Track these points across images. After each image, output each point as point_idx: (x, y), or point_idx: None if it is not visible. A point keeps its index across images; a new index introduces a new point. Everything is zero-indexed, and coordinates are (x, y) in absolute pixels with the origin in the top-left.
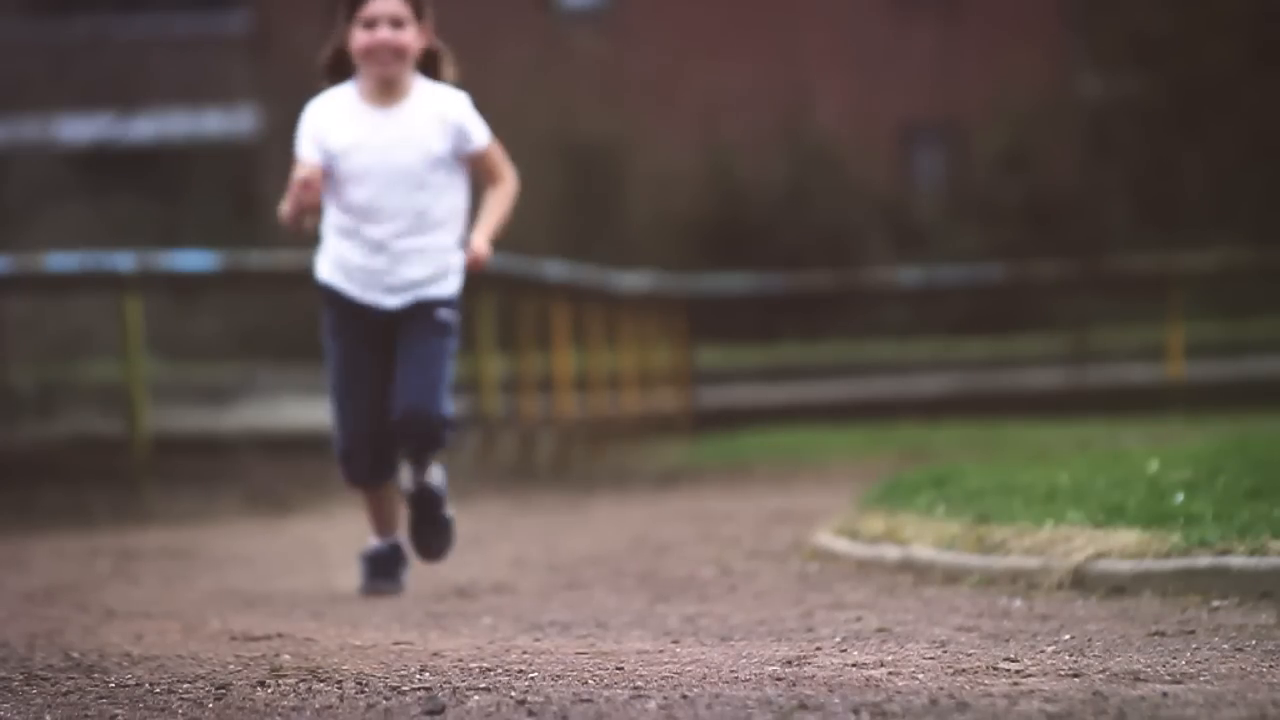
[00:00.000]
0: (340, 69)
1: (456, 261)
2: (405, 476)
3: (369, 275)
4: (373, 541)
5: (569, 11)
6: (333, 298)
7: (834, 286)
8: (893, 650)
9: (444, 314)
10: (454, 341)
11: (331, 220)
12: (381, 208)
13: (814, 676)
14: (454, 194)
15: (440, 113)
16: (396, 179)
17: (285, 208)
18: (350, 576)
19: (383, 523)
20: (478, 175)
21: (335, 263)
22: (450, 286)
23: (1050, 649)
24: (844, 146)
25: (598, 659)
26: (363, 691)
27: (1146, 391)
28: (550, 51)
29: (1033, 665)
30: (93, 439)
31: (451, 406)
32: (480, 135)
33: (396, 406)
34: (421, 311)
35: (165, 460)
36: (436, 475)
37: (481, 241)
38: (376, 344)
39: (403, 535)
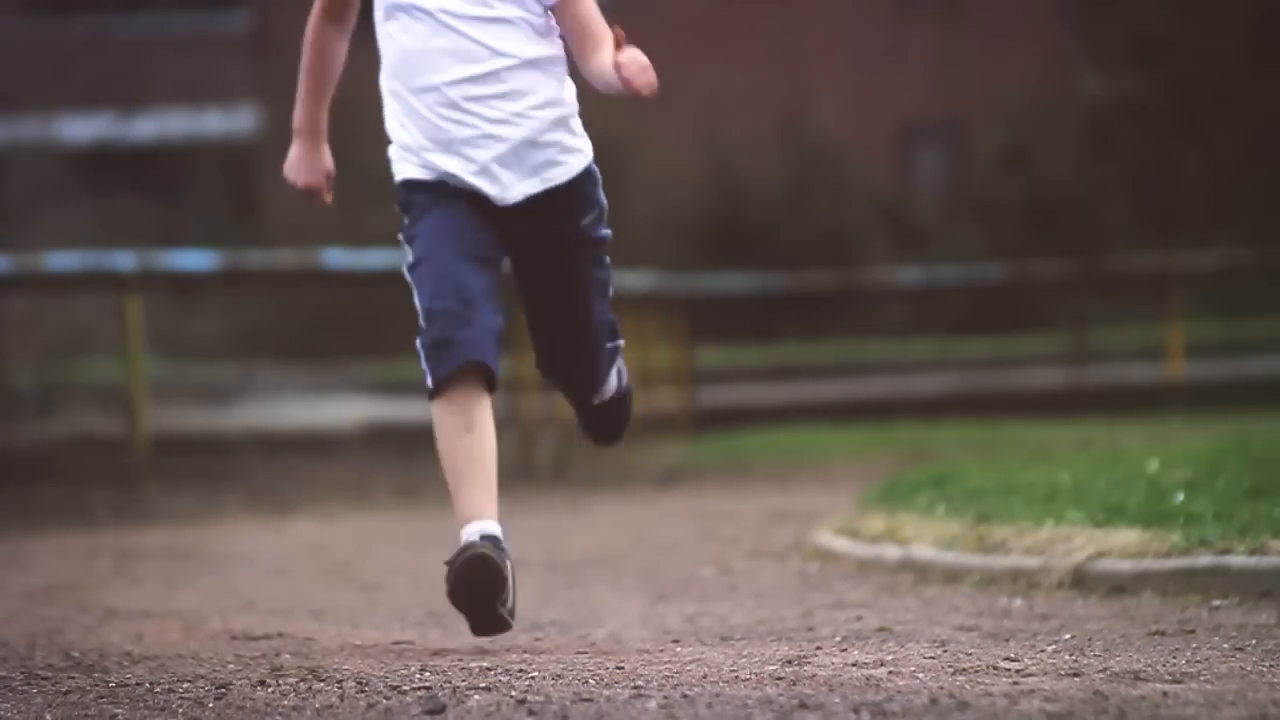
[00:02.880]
0: None
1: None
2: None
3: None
4: (468, 531)
5: None
6: (418, 189)
7: (834, 286)
8: (893, 650)
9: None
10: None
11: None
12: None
13: (814, 676)
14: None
15: None
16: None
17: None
18: (350, 576)
19: (467, 492)
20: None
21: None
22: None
23: (1050, 648)
24: (844, 146)
25: (598, 659)
26: (363, 691)
27: (1146, 391)
28: None
29: (1033, 664)
30: (93, 439)
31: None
32: None
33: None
34: (562, 218)
35: (165, 460)
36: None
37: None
38: (485, 232)
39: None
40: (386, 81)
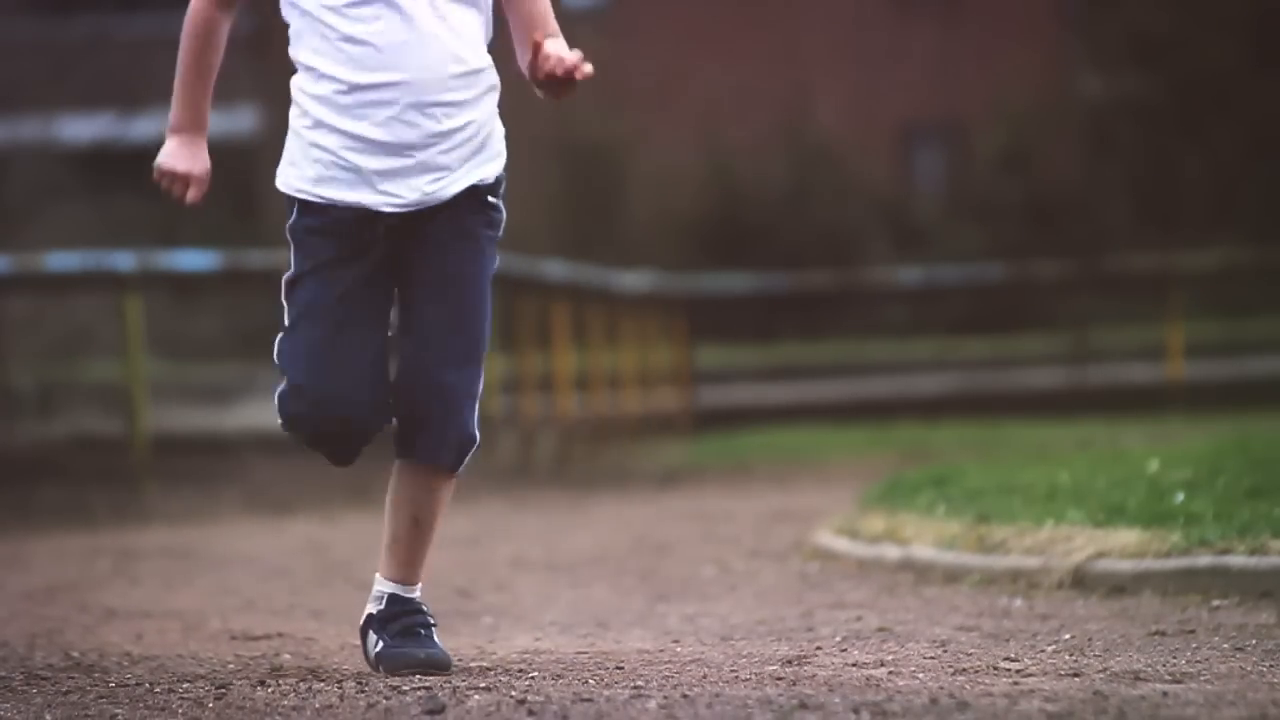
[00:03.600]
0: None
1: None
2: None
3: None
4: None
5: (569, 11)
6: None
7: (834, 286)
8: (893, 650)
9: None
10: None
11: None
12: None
13: (814, 676)
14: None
15: None
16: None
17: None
18: (349, 575)
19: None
20: None
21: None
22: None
23: (1050, 648)
24: (844, 146)
25: (598, 659)
26: (363, 691)
27: (1146, 391)
28: None
29: (1033, 665)
30: (93, 439)
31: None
32: None
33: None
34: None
35: (165, 460)
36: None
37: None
38: (376, 283)
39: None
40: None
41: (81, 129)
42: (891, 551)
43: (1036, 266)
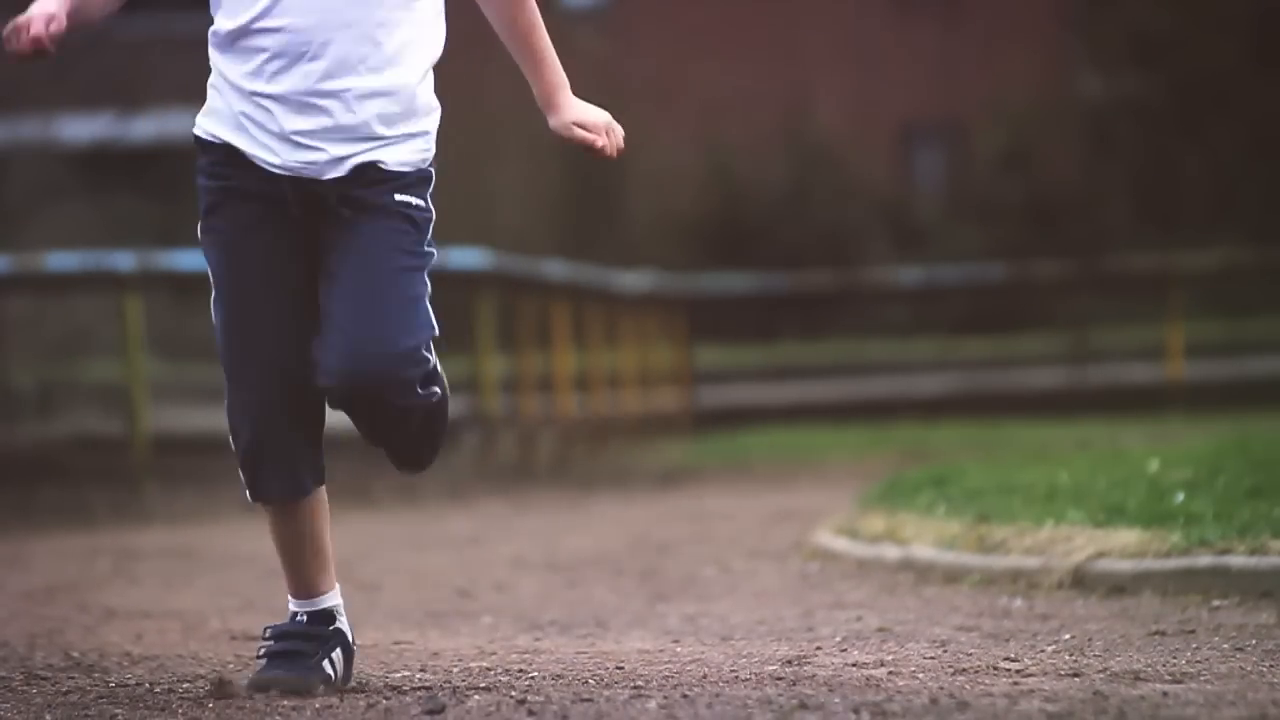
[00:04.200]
0: None
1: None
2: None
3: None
4: (292, 604)
5: (569, 11)
6: (217, 160)
7: (834, 286)
8: (893, 650)
9: (411, 200)
10: (428, 255)
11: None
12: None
13: (814, 676)
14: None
15: None
16: None
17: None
18: (350, 575)
19: (306, 570)
20: None
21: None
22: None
23: (1050, 648)
24: (844, 146)
25: (598, 659)
26: (363, 691)
27: (1146, 391)
28: None
29: (1033, 665)
30: (93, 439)
31: (431, 349)
32: None
33: (330, 355)
34: (373, 193)
35: (165, 460)
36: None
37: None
38: (293, 245)
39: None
40: None
41: (81, 129)
42: (891, 551)
43: (1036, 266)
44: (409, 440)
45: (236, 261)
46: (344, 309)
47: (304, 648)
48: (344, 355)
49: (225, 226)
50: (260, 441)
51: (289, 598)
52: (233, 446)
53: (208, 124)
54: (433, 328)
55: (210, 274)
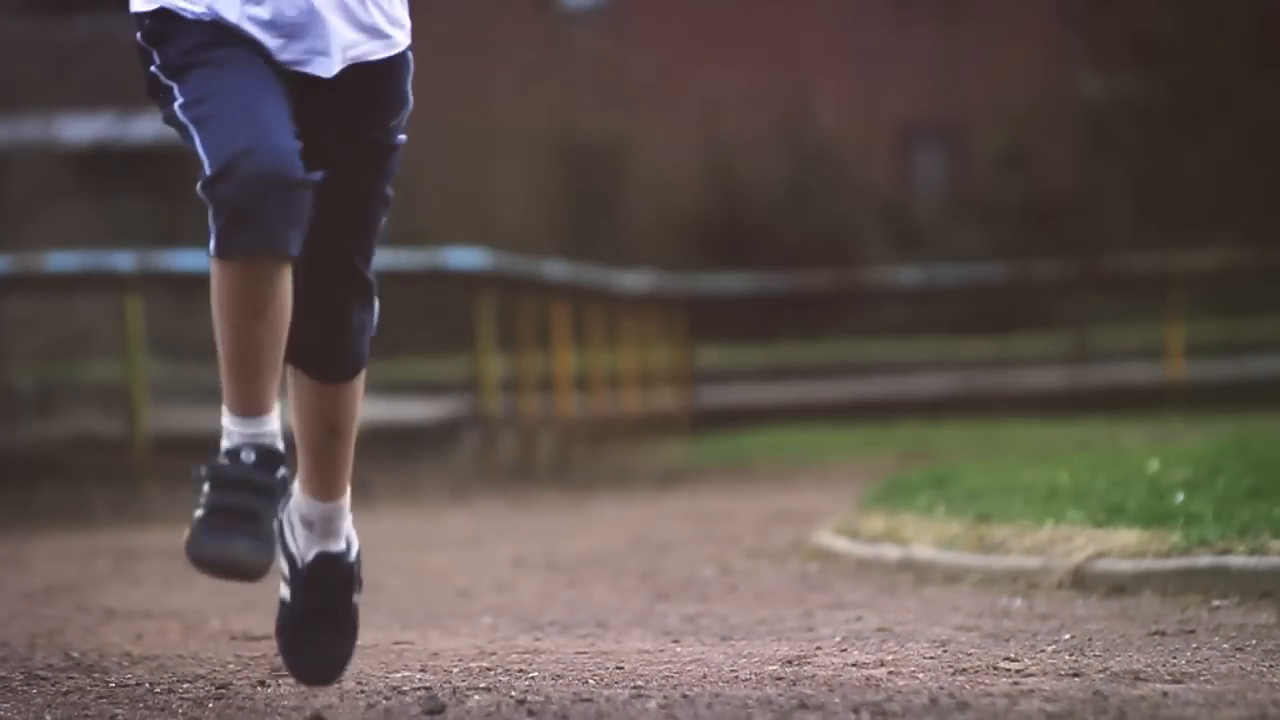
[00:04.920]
0: None
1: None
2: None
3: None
4: (233, 432)
5: (569, 11)
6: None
7: (834, 286)
8: (893, 650)
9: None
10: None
11: None
12: None
13: (814, 676)
14: None
15: None
16: None
17: None
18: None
19: (256, 380)
20: None
21: None
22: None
23: (1050, 648)
24: (844, 146)
25: (598, 659)
26: (363, 691)
27: (1146, 391)
28: (550, 51)
29: (1033, 665)
30: (93, 439)
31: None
32: None
33: None
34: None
35: (165, 460)
36: (347, 526)
37: None
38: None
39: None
40: None
41: (81, 129)
42: (891, 551)
43: (1036, 266)
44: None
45: (230, 63)
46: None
47: (257, 506)
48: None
49: (211, 54)
50: (264, 155)
51: (227, 415)
52: (212, 185)
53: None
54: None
55: (181, 92)
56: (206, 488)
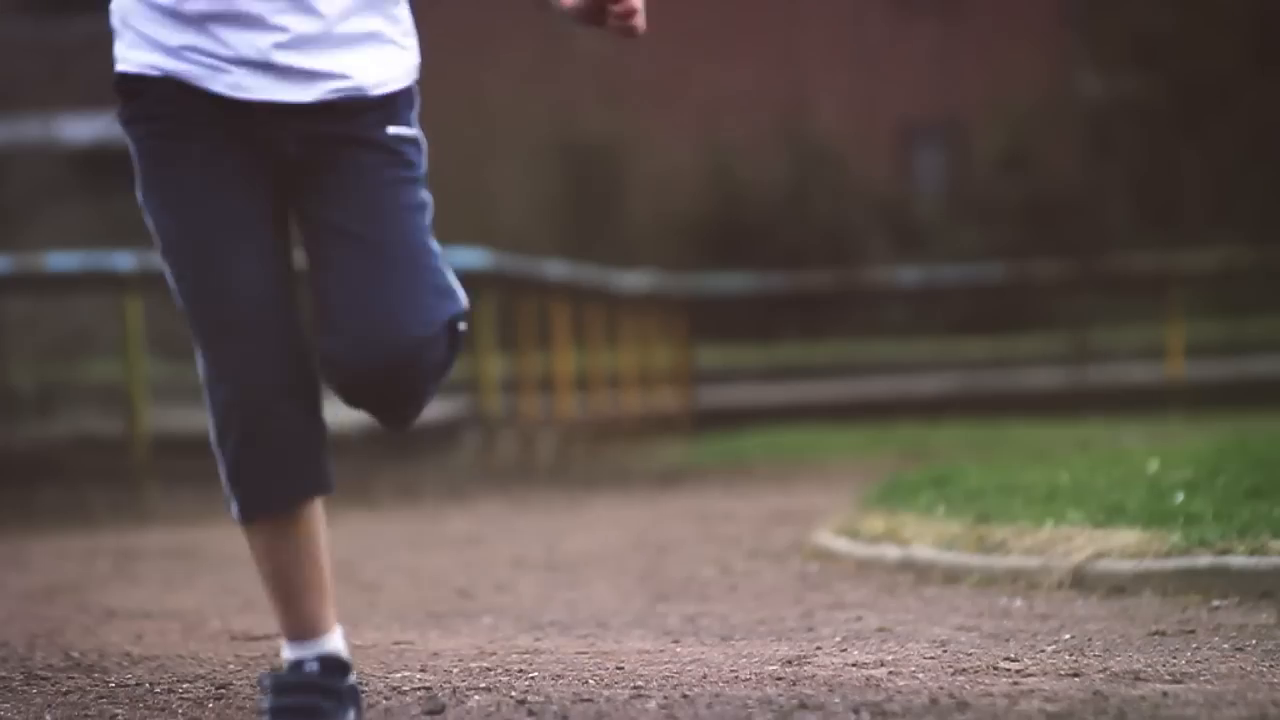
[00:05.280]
0: None
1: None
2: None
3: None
4: (286, 652)
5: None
6: (158, 96)
7: (834, 286)
8: (893, 650)
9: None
10: (423, 190)
11: None
12: None
13: (814, 676)
14: None
15: None
16: None
17: None
18: (350, 575)
19: (309, 600)
20: None
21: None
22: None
23: (1050, 648)
24: (844, 146)
25: (598, 659)
26: (363, 691)
27: (1146, 391)
28: (550, 51)
29: (1033, 665)
30: (93, 439)
31: (456, 303)
32: None
33: (338, 340)
34: (358, 126)
35: (165, 460)
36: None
37: None
38: (257, 188)
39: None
40: None
41: (81, 129)
42: (891, 552)
43: (1036, 266)
44: (409, 411)
45: (196, 196)
46: (350, 281)
47: (323, 705)
48: (355, 342)
49: (177, 171)
50: (258, 429)
51: (284, 643)
52: (217, 448)
53: (137, 56)
54: (456, 296)
55: (158, 230)
56: (268, 698)
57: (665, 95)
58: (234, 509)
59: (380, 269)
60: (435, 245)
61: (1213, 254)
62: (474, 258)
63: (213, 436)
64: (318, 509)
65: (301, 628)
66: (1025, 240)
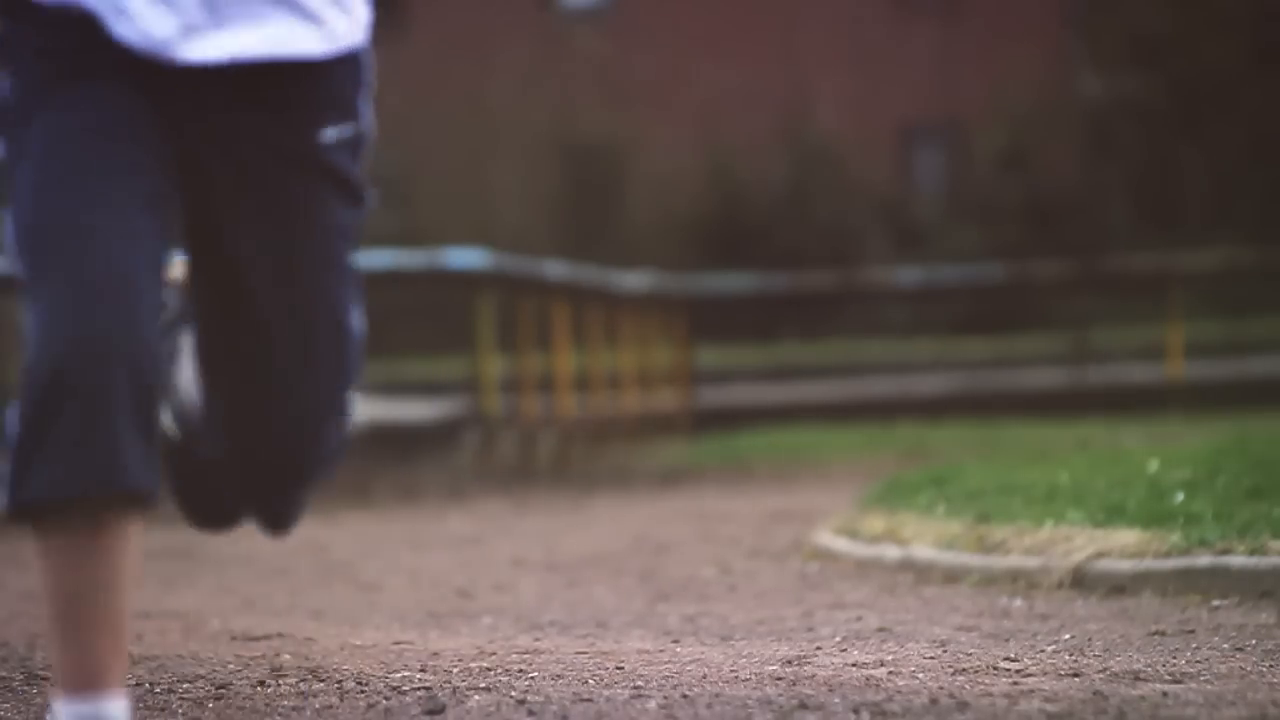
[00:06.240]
0: None
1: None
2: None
3: None
4: (57, 711)
5: (569, 11)
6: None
7: (834, 286)
8: (893, 650)
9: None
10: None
11: None
12: None
13: (814, 676)
14: None
15: None
16: None
17: None
18: (350, 575)
19: (100, 642)
20: None
21: None
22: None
23: (1050, 648)
24: (844, 146)
25: (598, 659)
26: (363, 691)
27: (1146, 391)
28: (550, 51)
29: (1033, 665)
30: None
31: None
32: None
33: (222, 437)
34: (287, 127)
35: (164, 460)
36: None
37: None
38: (142, 143)
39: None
40: None
41: None
42: (891, 551)
43: (1036, 266)
44: (295, 501)
45: (67, 125)
46: (254, 375)
47: None
48: (243, 453)
49: (50, 101)
50: (73, 382)
51: (56, 693)
52: (23, 414)
53: None
54: (352, 405)
55: (10, 159)
56: None
57: (665, 95)
58: (7, 493)
59: (287, 377)
60: (354, 311)
61: (1213, 254)
62: (474, 258)
63: (22, 399)
64: (133, 530)
65: (82, 676)
66: (1025, 240)
